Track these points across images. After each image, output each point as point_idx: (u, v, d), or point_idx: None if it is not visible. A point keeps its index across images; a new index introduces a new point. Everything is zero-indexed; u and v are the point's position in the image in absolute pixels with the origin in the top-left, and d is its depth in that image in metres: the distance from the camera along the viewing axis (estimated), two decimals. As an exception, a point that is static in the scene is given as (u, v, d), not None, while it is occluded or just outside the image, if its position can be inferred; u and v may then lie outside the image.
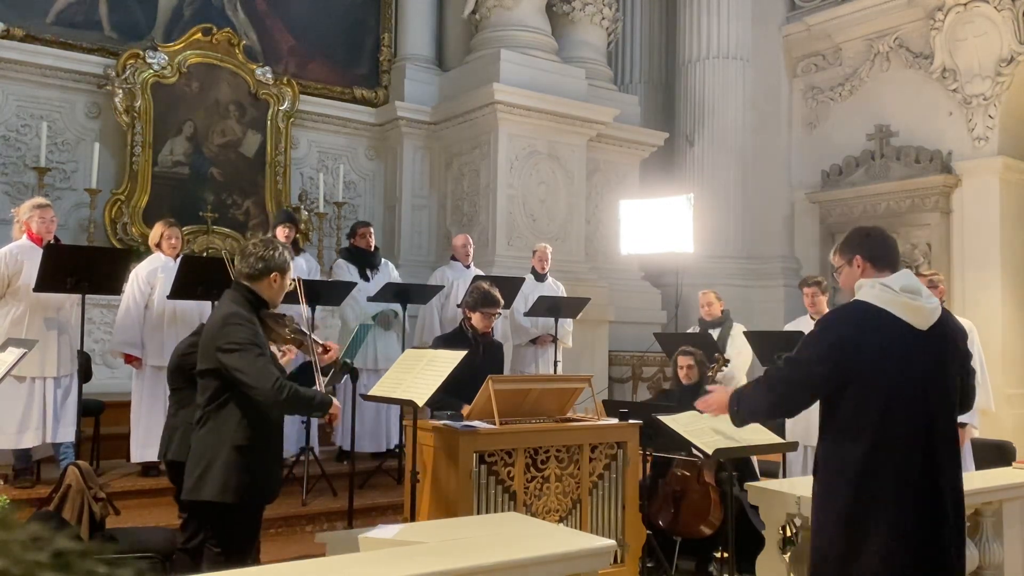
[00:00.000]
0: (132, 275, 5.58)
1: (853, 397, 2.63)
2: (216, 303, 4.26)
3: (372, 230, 6.83)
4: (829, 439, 2.71)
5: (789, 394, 2.78)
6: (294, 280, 3.55)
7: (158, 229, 5.83)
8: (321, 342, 3.59)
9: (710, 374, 5.37)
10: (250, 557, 3.40)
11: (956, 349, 2.80)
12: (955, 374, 2.77)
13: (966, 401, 2.91)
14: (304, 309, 4.16)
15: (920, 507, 2.58)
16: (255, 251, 3.34)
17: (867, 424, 2.61)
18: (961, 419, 5.25)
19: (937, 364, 2.69)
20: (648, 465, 4.86)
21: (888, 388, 2.61)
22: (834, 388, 2.65)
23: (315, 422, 5.88)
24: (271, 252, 3.33)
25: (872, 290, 2.71)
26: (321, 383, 3.48)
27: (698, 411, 4.16)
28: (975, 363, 5.37)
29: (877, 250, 2.81)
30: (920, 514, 2.57)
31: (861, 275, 2.79)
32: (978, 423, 5.54)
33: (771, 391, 2.83)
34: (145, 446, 5.49)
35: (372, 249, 6.76)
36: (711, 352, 5.61)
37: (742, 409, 2.87)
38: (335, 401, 3.40)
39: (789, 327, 6.24)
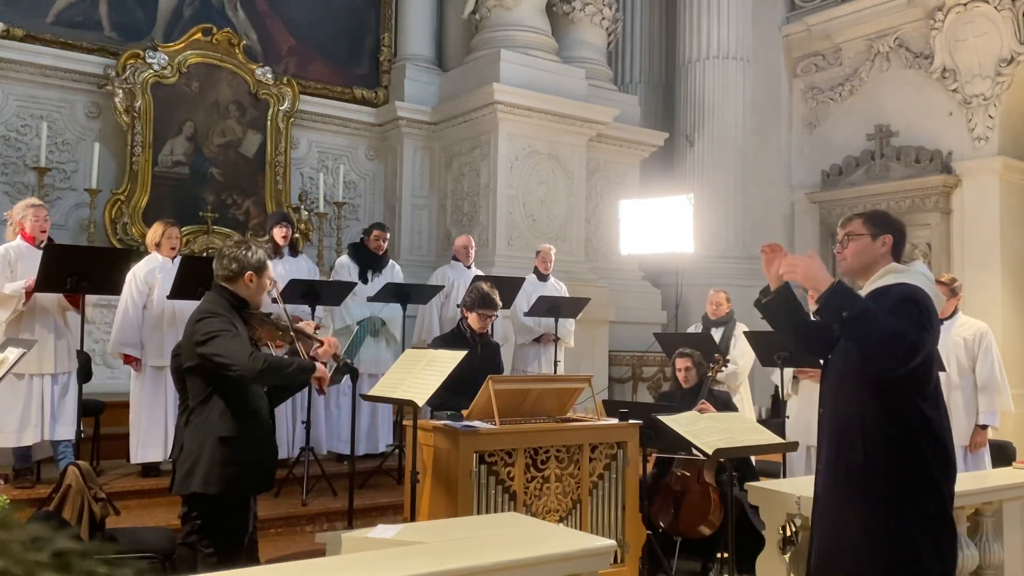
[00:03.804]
0: (130, 276, 5.57)
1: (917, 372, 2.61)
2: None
3: (387, 235, 6.81)
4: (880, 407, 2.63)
5: (900, 335, 2.49)
6: (273, 281, 3.53)
7: (158, 228, 5.83)
8: (312, 335, 3.53)
9: (711, 374, 5.35)
10: (242, 550, 3.40)
11: None
12: None
13: None
14: (281, 305, 3.88)
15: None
16: (229, 252, 3.36)
17: (920, 401, 2.64)
18: (983, 420, 5.31)
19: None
20: (650, 465, 4.86)
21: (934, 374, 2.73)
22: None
23: (316, 423, 5.87)
24: (244, 252, 3.35)
25: (924, 277, 2.72)
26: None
27: (698, 411, 4.13)
28: (993, 365, 5.41)
29: (903, 240, 2.88)
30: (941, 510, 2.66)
31: (882, 255, 2.80)
32: (998, 424, 5.59)
33: (883, 321, 2.50)
34: (144, 446, 5.49)
35: (381, 253, 6.73)
36: (711, 352, 5.59)
37: (836, 303, 2.56)
38: (318, 364, 3.38)
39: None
